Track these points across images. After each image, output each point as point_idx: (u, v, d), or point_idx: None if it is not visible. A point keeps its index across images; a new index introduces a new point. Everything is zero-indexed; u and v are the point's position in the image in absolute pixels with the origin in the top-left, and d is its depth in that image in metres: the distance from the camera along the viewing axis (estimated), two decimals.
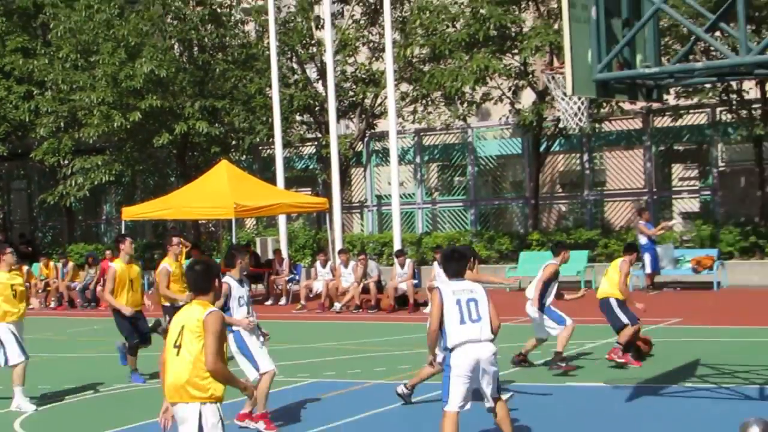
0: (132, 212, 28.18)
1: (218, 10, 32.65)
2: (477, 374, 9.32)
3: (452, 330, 9.27)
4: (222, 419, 7.36)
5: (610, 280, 14.42)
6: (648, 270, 23.95)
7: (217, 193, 25.73)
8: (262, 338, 11.49)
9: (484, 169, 32.06)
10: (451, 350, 9.31)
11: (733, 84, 24.23)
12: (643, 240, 23.70)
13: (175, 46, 32.46)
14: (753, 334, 16.99)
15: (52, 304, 29.76)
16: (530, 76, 27.87)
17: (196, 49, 32.62)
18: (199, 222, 33.23)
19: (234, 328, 11.11)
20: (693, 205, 28.79)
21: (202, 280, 7.68)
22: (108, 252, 31.18)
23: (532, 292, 14.26)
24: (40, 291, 30.35)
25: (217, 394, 7.33)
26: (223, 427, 7.38)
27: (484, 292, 9.50)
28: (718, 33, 13.83)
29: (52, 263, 31.31)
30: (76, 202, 36.31)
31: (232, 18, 33.52)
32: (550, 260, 14.37)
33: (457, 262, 9.79)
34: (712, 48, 20.85)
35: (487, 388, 9.40)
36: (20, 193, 42.23)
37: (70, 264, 30.66)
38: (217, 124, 31.72)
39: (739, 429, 3.87)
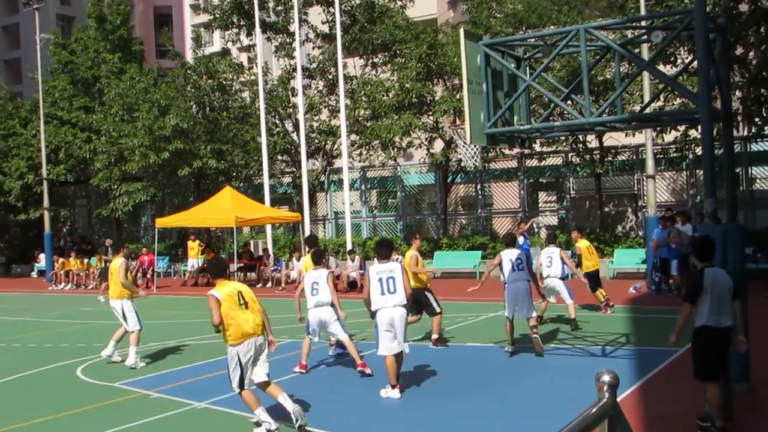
0: (163, 222, 27.87)
1: (224, 82, 32.42)
2: (394, 329, 9.93)
3: (375, 299, 9.99)
4: None
5: None
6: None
7: (223, 209, 25.59)
8: None
9: (409, 194, 32.11)
10: (374, 313, 10.04)
11: (580, 136, 24.51)
12: (521, 240, 23.83)
13: (193, 107, 32.19)
14: (596, 309, 17.01)
15: (103, 287, 29.25)
16: (440, 130, 27.96)
17: (207, 108, 32.34)
18: (210, 229, 32.90)
19: None
20: (553, 220, 29.03)
21: (221, 270, 8.90)
22: (144, 249, 30.89)
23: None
24: (96, 277, 29.96)
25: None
26: None
27: (400, 271, 10.10)
28: (569, 102, 13.95)
29: (103, 258, 30.84)
30: (122, 215, 35.83)
31: (234, 88, 33.30)
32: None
33: (386, 249, 10.49)
34: (565, 111, 21.06)
35: (399, 338, 10.00)
36: (82, 208, 41.61)
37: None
38: (222, 161, 31.46)
39: (595, 378, 3.87)
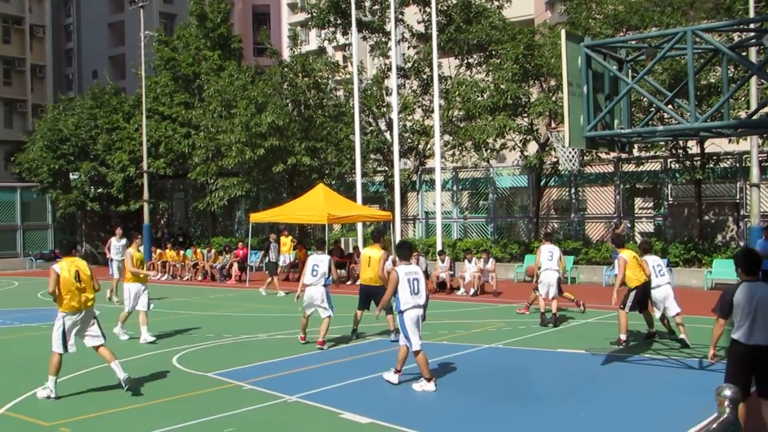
0: (257, 217, 28.35)
1: (319, 80, 32.72)
2: (418, 327, 10.56)
3: (405, 298, 10.50)
4: None
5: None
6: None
7: (315, 205, 25.82)
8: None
9: (501, 196, 31.80)
10: (403, 311, 10.52)
11: (681, 142, 23.87)
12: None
13: (289, 105, 32.57)
14: (693, 321, 16.57)
15: (199, 278, 29.98)
16: (535, 132, 27.58)
17: (303, 106, 32.69)
18: (302, 225, 33.30)
19: None
20: (649, 227, 28.32)
21: (68, 249, 10.61)
22: (240, 243, 31.47)
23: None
24: (191, 268, 30.72)
25: None
26: None
27: (422, 274, 10.83)
28: (670, 106, 13.60)
29: (200, 250, 31.66)
30: (218, 209, 36.59)
31: (329, 86, 33.62)
32: None
33: (406, 250, 11.09)
34: (666, 115, 20.53)
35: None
36: (180, 201, 42.64)
37: (213, 251, 30.90)
38: (316, 159, 31.78)
39: (716, 392, 3.71)
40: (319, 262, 13.72)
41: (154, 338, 14.87)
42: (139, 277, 15.15)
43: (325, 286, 13.67)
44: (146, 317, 15.02)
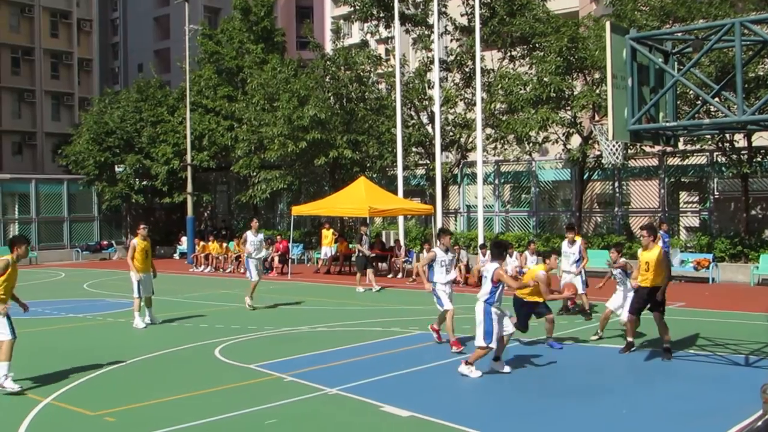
0: (298, 210, 28.52)
1: (361, 74, 32.75)
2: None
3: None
4: None
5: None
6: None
7: (356, 198, 25.90)
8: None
9: (543, 189, 31.56)
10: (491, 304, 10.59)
11: (728, 135, 23.49)
12: (660, 244, 23.08)
13: (331, 98, 32.66)
14: (738, 317, 16.41)
15: (242, 270, 30.10)
16: (578, 125, 27.32)
17: (345, 100, 32.76)
18: (343, 218, 33.41)
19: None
20: (694, 221, 27.89)
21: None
22: (279, 236, 31.68)
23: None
24: (233, 261, 30.94)
25: None
26: None
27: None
28: (717, 99, 13.36)
29: (242, 242, 31.78)
30: (260, 201, 36.86)
31: (371, 79, 33.63)
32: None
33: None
34: (712, 108, 20.20)
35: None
36: (223, 193, 43.02)
37: None
38: (357, 152, 31.83)
39: (761, 389, 3.63)
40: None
41: (145, 325, 15.94)
42: (143, 266, 16.10)
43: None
44: (140, 303, 16.07)
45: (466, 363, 10.84)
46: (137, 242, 16.10)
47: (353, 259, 27.37)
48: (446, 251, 13.23)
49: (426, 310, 18.12)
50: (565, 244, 17.07)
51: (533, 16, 28.68)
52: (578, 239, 16.98)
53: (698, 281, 23.84)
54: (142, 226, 16.50)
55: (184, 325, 16.19)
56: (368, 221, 27.92)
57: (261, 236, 19.86)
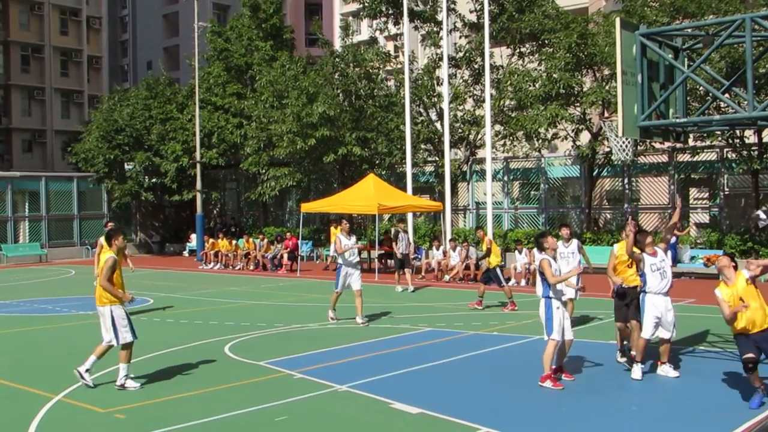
0: (307, 207, 28.55)
1: (370, 70, 32.73)
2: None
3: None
4: None
5: None
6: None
7: (366, 196, 25.90)
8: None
9: (552, 186, 31.52)
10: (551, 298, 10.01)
11: (738, 131, 23.41)
12: (671, 239, 23.03)
13: (340, 95, 32.66)
14: None
15: (251, 267, 30.23)
16: (587, 122, 27.26)
17: (354, 97, 32.75)
18: (353, 215, 33.42)
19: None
20: (704, 218, 27.83)
21: None
22: (288, 234, 31.72)
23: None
24: (243, 258, 31.01)
25: None
26: None
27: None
28: (727, 95, 13.31)
29: (251, 239, 31.87)
30: (269, 199, 36.87)
31: (380, 76, 33.61)
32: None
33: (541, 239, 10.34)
34: (722, 104, 20.13)
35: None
36: (232, 191, 43.08)
37: (264, 240, 31.13)
38: (366, 149, 31.83)
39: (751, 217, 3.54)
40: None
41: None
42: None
43: None
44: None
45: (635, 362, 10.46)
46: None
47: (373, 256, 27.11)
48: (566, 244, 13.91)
49: (435, 308, 18.17)
50: (561, 244, 14.43)
51: (542, 13, 28.61)
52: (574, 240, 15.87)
53: (708, 277, 23.72)
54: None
55: (194, 322, 16.23)
56: (376, 218, 27.84)
57: (354, 239, 16.62)
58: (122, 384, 10.25)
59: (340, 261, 15.99)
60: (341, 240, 15.97)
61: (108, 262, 10.24)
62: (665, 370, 10.61)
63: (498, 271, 17.84)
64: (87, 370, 10.33)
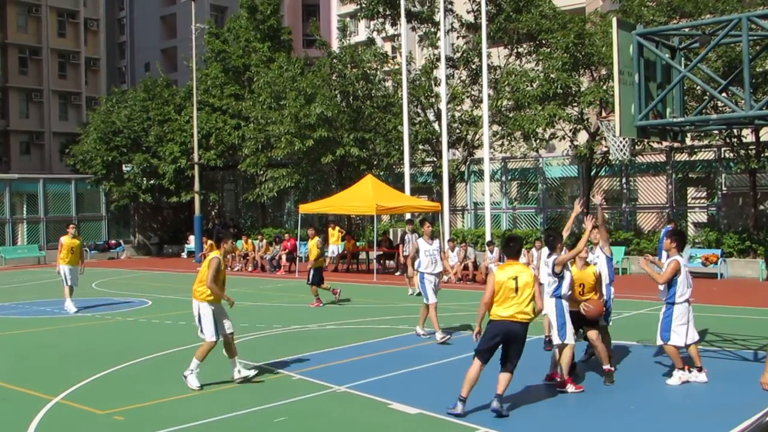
0: (306, 208, 28.57)
1: (368, 71, 32.73)
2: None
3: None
4: None
5: None
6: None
7: (364, 196, 25.94)
8: None
9: (550, 186, 31.53)
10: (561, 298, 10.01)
11: (735, 130, 23.44)
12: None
13: (338, 96, 32.66)
14: (747, 312, 16.39)
15: (250, 269, 30.25)
16: (585, 122, 27.27)
17: (352, 97, 32.76)
18: (351, 216, 33.42)
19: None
20: (702, 217, 27.86)
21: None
22: (287, 234, 31.72)
23: None
24: (241, 259, 31.00)
25: None
26: None
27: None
28: (724, 94, 13.32)
29: (250, 240, 31.87)
30: (267, 200, 36.87)
31: (377, 77, 33.61)
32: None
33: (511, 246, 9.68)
34: (720, 103, 20.15)
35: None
36: (230, 192, 43.07)
37: (264, 241, 31.13)
38: (364, 150, 31.82)
39: None
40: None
41: (77, 309, 18.31)
42: (70, 260, 18.77)
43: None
44: (68, 291, 18.54)
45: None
46: (65, 240, 18.93)
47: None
48: (430, 241, 13.34)
49: (439, 307, 18.12)
50: (543, 251, 12.45)
51: (540, 13, 28.62)
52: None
53: (707, 277, 23.76)
54: (70, 227, 19.22)
55: (192, 324, 16.17)
56: (374, 218, 27.82)
57: (437, 244, 14.66)
58: (185, 375, 10.37)
59: (421, 270, 14.07)
60: (420, 245, 14.18)
61: (212, 263, 10.44)
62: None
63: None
64: (238, 371, 10.56)
